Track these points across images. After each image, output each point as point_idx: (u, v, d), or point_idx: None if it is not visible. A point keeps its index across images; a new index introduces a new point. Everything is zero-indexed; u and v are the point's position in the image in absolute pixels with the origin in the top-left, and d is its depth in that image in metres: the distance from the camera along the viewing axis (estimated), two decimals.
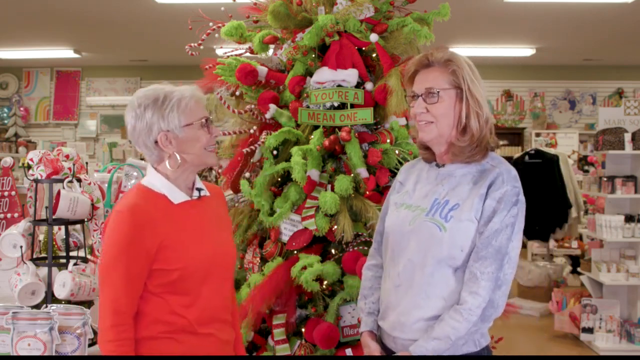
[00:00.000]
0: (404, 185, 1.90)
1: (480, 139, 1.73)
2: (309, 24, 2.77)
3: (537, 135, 10.18)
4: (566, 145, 9.71)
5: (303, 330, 2.56)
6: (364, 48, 2.77)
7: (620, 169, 5.30)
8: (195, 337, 1.73)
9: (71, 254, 2.35)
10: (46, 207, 2.29)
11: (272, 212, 2.66)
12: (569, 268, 7.36)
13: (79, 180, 2.35)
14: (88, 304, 2.32)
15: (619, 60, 9.87)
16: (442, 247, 1.67)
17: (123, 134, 10.12)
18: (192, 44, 3.01)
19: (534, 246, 7.92)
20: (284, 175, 2.77)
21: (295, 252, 2.62)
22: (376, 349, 1.82)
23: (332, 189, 2.55)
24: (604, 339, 5.09)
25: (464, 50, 8.71)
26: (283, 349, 2.53)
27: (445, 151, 1.78)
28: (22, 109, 10.49)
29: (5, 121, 10.44)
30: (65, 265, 2.28)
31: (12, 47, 8.89)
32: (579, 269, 6.13)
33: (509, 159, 9.43)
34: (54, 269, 2.27)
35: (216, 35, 2.95)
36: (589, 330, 5.17)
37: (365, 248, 2.51)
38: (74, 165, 2.38)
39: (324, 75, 2.71)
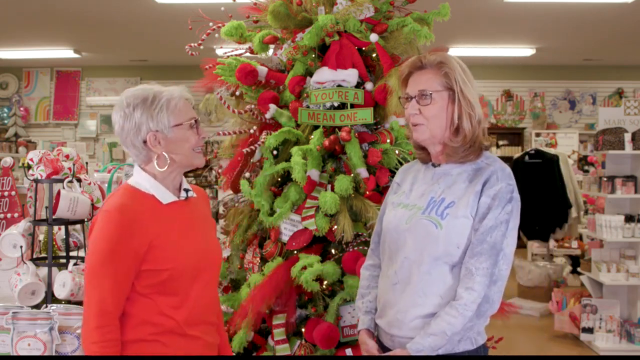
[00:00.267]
0: (401, 186, 1.93)
1: (473, 139, 1.76)
2: (309, 24, 2.77)
3: (537, 135, 10.18)
4: (566, 145, 9.71)
5: (303, 330, 2.56)
6: (364, 48, 2.77)
7: (620, 169, 5.30)
8: (183, 339, 1.72)
9: (71, 254, 2.35)
10: (46, 207, 2.29)
11: (272, 212, 2.66)
12: (569, 268, 7.36)
13: (79, 180, 2.35)
14: None
15: (619, 60, 9.88)
16: (438, 245, 1.70)
17: None
18: (192, 44, 3.01)
19: (534, 246, 7.91)
20: (284, 175, 2.77)
21: (295, 252, 2.62)
22: (373, 347, 1.84)
23: (332, 189, 2.55)
24: (604, 339, 5.09)
25: (464, 50, 8.74)
26: (283, 349, 2.53)
27: (440, 151, 1.81)
28: (22, 109, 10.49)
29: (5, 121, 10.44)
30: (65, 265, 2.28)
31: (12, 47, 8.89)
32: (579, 269, 6.12)
33: (509, 159, 9.47)
34: (54, 269, 2.27)
35: (216, 35, 2.95)
36: (589, 330, 5.17)
37: (365, 248, 2.51)
38: (74, 165, 2.38)
39: (324, 75, 2.71)
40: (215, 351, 1.88)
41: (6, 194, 2.61)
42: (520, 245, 7.93)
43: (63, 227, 2.37)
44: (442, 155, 1.81)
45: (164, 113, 1.73)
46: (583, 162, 8.38)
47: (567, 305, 5.55)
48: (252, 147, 2.75)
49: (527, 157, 7.16)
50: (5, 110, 10.50)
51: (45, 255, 2.36)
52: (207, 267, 1.81)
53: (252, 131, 2.86)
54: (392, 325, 1.77)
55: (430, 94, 1.76)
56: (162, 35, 7.95)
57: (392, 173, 2.61)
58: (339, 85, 2.70)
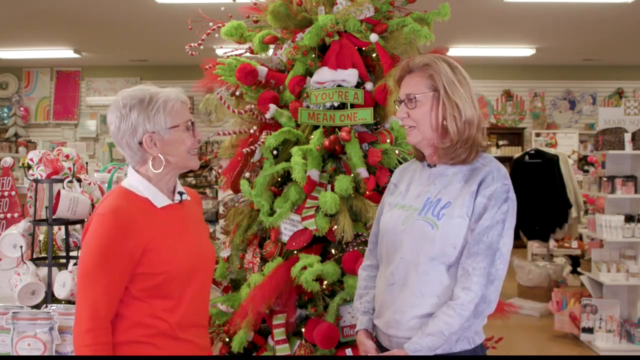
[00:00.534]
0: (397, 187, 1.94)
1: (463, 140, 1.75)
2: (309, 24, 2.77)
3: (537, 135, 10.18)
4: (566, 145, 9.71)
5: (303, 330, 2.56)
6: (364, 48, 2.77)
7: (620, 169, 5.30)
8: (175, 342, 1.71)
9: (71, 254, 2.35)
10: (46, 207, 2.29)
11: (272, 212, 2.66)
12: (569, 268, 7.36)
13: (79, 180, 2.35)
14: None
15: (619, 60, 9.88)
16: (434, 245, 1.70)
17: None
18: (192, 44, 3.01)
19: (534, 246, 7.91)
20: (284, 175, 2.77)
21: (295, 252, 2.62)
22: (371, 347, 1.85)
23: (332, 189, 2.55)
24: (604, 339, 5.09)
25: (464, 50, 8.75)
26: (283, 349, 2.53)
27: (432, 153, 1.82)
28: (22, 109, 10.49)
29: (5, 121, 10.44)
30: (65, 265, 2.28)
31: (12, 47, 8.89)
32: (579, 269, 6.12)
33: (509, 159, 9.46)
34: (54, 269, 2.27)
35: (216, 35, 2.95)
36: (589, 330, 5.17)
37: (365, 248, 2.51)
38: (74, 165, 2.38)
39: (324, 75, 2.71)
40: (206, 354, 1.87)
41: (6, 194, 2.61)
42: (520, 245, 7.94)
43: (63, 227, 2.37)
44: (435, 156, 1.82)
45: (161, 114, 1.72)
46: (583, 162, 8.38)
47: (567, 305, 5.55)
48: (252, 147, 2.75)
49: (527, 157, 7.16)
50: (5, 110, 10.50)
51: (45, 255, 2.36)
52: (201, 270, 1.80)
53: (252, 131, 2.86)
54: (390, 326, 1.78)
55: (415, 97, 1.77)
56: (162, 35, 7.95)
57: (392, 173, 2.61)
58: (339, 85, 2.70)
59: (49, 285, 2.24)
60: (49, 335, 2.04)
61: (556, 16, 7.07)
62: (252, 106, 2.82)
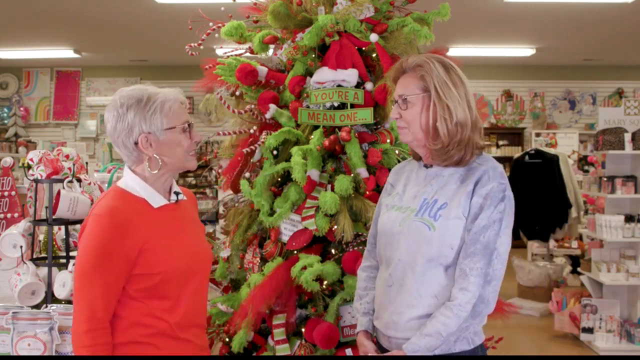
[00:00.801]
0: (394, 187, 1.93)
1: (455, 142, 1.74)
2: (309, 24, 2.77)
3: (537, 135, 10.19)
4: (566, 145, 9.71)
5: (303, 330, 2.56)
6: (364, 48, 2.77)
7: (620, 169, 5.30)
8: (174, 342, 1.71)
9: (71, 254, 2.35)
10: (46, 207, 2.29)
11: (272, 212, 2.66)
12: (569, 268, 7.36)
13: (79, 180, 2.35)
14: None
15: (619, 60, 9.88)
16: (431, 246, 1.70)
17: None
18: (192, 44, 3.01)
19: (534, 246, 7.91)
20: (284, 175, 2.77)
21: (295, 252, 2.62)
22: (371, 348, 1.85)
23: (332, 189, 2.55)
24: (604, 339, 5.09)
25: (464, 50, 8.75)
26: (283, 349, 2.53)
27: (427, 153, 1.82)
28: (22, 109, 10.49)
29: (5, 121, 10.44)
30: (65, 265, 2.28)
31: (12, 47, 8.90)
32: (579, 269, 6.12)
33: (509, 159, 9.46)
34: (54, 269, 2.27)
35: (216, 35, 2.95)
36: (589, 330, 5.16)
37: (365, 248, 2.51)
38: (74, 165, 2.38)
39: (324, 75, 2.71)
40: (207, 353, 1.88)
41: (6, 194, 2.61)
42: (520, 245, 7.94)
43: (63, 227, 2.37)
44: (429, 158, 1.82)
45: (158, 115, 1.71)
46: (583, 162, 8.37)
47: (567, 305, 5.55)
48: (252, 147, 2.75)
49: (527, 157, 7.16)
50: (5, 110, 10.50)
51: (45, 255, 2.36)
52: (198, 270, 1.80)
53: (252, 131, 2.86)
54: (389, 327, 1.78)
55: (406, 98, 1.77)
56: (162, 35, 7.95)
57: None
58: (339, 85, 2.70)
59: (49, 285, 2.24)
60: (49, 335, 2.04)
61: (556, 16, 7.07)
62: (252, 106, 2.82)
